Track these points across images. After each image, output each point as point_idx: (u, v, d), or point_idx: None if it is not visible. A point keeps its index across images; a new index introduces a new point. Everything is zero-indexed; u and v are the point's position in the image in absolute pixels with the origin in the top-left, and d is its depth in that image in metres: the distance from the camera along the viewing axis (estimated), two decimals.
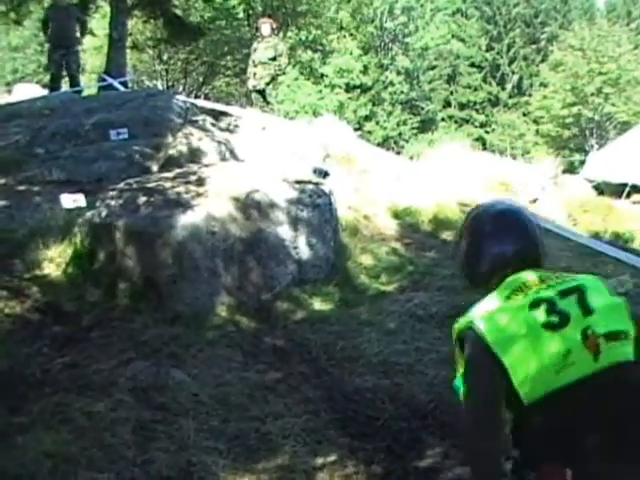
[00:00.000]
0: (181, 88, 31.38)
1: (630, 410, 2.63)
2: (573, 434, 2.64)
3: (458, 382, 2.85)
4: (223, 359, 6.10)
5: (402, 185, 11.36)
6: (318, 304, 7.48)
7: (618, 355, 2.66)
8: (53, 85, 16.32)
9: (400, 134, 50.28)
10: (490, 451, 2.68)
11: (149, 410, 5.17)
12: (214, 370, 5.87)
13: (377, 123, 49.83)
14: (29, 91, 21.83)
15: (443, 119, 55.63)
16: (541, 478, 2.70)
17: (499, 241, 2.90)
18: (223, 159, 10.44)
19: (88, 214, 7.67)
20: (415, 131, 51.05)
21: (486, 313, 2.74)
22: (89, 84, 23.01)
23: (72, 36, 15.65)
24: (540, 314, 2.67)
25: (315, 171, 10.96)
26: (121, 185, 8.30)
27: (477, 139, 45.41)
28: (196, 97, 24.80)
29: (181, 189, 7.82)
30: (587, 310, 2.70)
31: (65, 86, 16.82)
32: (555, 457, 2.66)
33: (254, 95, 15.43)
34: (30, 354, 5.93)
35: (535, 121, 50.06)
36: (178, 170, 8.87)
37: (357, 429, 5.24)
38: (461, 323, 2.84)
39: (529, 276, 2.81)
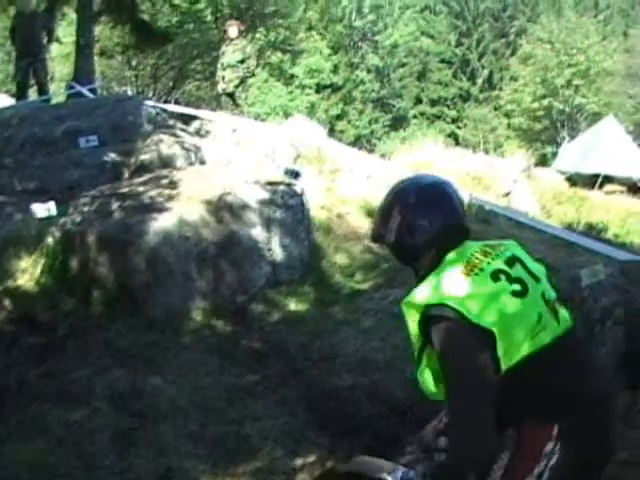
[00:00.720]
0: (151, 93, 31.24)
1: (586, 364, 2.87)
2: (551, 392, 2.77)
3: (427, 374, 2.90)
4: (200, 363, 6.10)
5: (374, 183, 11.36)
6: (294, 305, 7.47)
7: (567, 319, 2.88)
8: (20, 94, 16.18)
9: (372, 132, 50.39)
10: (491, 442, 2.69)
11: (127, 417, 5.16)
12: (191, 375, 5.87)
13: (349, 122, 49.93)
14: None
15: (415, 116, 55.80)
16: (525, 436, 2.79)
17: (438, 213, 2.91)
18: (193, 163, 10.42)
19: (60, 222, 7.63)
20: (387, 129, 51.19)
21: (459, 293, 2.74)
22: (58, 92, 22.87)
23: (39, 44, 15.51)
24: (505, 284, 2.77)
25: (287, 172, 10.94)
26: (92, 192, 8.26)
27: (449, 135, 45.59)
28: (166, 102, 24.68)
29: (153, 194, 7.79)
30: (534, 277, 2.85)
31: (33, 95, 16.72)
32: (538, 415, 2.78)
33: (224, 98, 15.39)
34: (6, 365, 5.90)
35: (506, 115, 50.34)
36: (149, 175, 8.83)
37: (336, 428, 5.25)
38: (424, 302, 2.81)
39: (473, 247, 2.90)
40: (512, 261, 2.86)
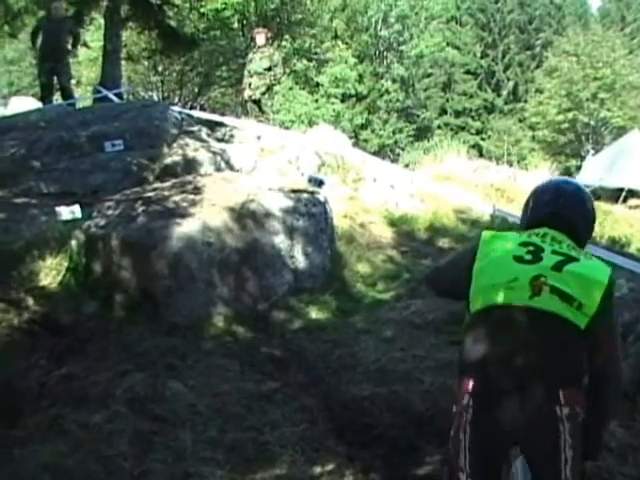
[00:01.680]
0: (177, 99, 31.38)
1: (534, 347, 2.98)
2: (483, 349, 3.06)
3: None
4: (220, 369, 6.09)
5: (398, 193, 11.36)
6: (315, 313, 7.47)
7: (552, 306, 3.02)
8: (43, 95, 16.34)
9: (396, 142, 50.34)
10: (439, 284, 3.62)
11: (146, 421, 5.15)
12: (211, 380, 5.86)
13: (373, 131, 49.90)
14: (25, 104, 21.84)
15: (439, 127, 55.73)
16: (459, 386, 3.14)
17: (543, 203, 3.41)
18: (218, 169, 10.45)
19: (84, 225, 7.67)
20: (411, 139, 51.10)
21: (497, 231, 3.44)
22: (84, 96, 23.02)
23: (62, 48, 15.62)
24: (521, 249, 3.18)
25: (310, 180, 10.96)
26: (117, 196, 8.30)
27: (473, 146, 45.49)
28: (192, 108, 24.80)
29: (177, 199, 7.81)
30: (557, 268, 3.09)
31: (58, 97, 16.83)
32: (469, 368, 3.11)
33: (250, 105, 15.44)
34: (27, 367, 5.91)
35: (531, 127, 50.17)
36: (174, 180, 8.86)
37: (355, 437, 5.23)
38: None
39: (550, 232, 3.27)
40: (561, 255, 3.16)
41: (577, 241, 3.30)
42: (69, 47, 15.98)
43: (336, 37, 44.54)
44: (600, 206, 15.63)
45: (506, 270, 3.11)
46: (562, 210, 3.33)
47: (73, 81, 18.89)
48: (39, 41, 15.78)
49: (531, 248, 3.16)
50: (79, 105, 16.61)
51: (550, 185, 3.57)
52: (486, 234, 3.33)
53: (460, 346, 3.23)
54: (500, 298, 3.08)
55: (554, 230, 3.27)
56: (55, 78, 15.75)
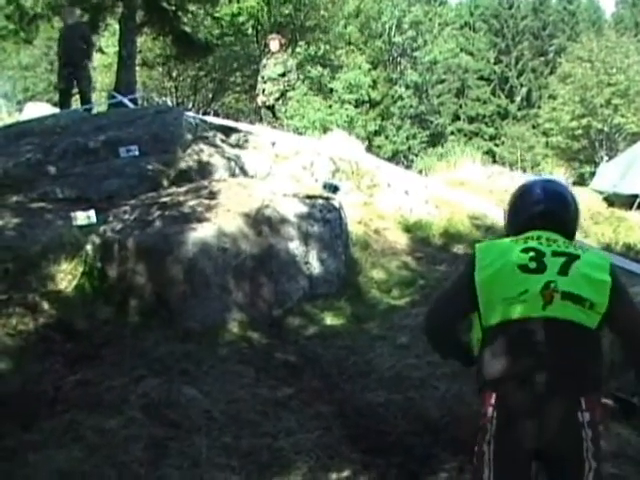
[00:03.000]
0: (191, 104, 31.48)
1: (552, 358, 2.98)
2: (504, 363, 3.06)
3: None
4: (235, 375, 6.09)
5: (412, 199, 11.35)
6: (329, 319, 7.47)
7: (567, 313, 3.03)
8: (62, 101, 16.45)
9: (409, 148, 50.39)
10: (436, 331, 3.48)
11: (161, 427, 5.16)
12: (226, 386, 5.86)
13: (386, 137, 49.98)
14: (40, 109, 21.89)
15: (452, 132, 55.74)
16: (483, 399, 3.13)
17: (530, 204, 3.38)
18: (233, 175, 10.46)
19: (99, 230, 7.68)
20: (424, 145, 51.14)
21: (489, 241, 3.44)
22: (99, 102, 23.08)
23: (81, 54, 15.73)
24: (523, 257, 3.15)
25: (325, 186, 10.97)
26: (132, 201, 8.32)
27: (487, 152, 45.38)
28: (205, 113, 24.83)
29: (192, 205, 7.82)
30: (563, 272, 3.09)
31: (76, 103, 16.92)
32: (491, 382, 3.10)
33: (264, 111, 15.44)
34: (42, 371, 5.93)
35: (544, 133, 50.06)
36: (189, 186, 8.87)
37: (370, 444, 5.22)
38: None
39: (544, 234, 3.25)
40: (562, 255, 3.16)
41: (568, 236, 3.31)
42: (85, 52, 16.08)
43: (350, 43, 44.58)
44: (614, 212, 15.60)
45: (515, 282, 3.09)
46: (550, 209, 3.33)
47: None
48: (60, 48, 16.00)
49: (532, 254, 3.15)
50: (95, 110, 16.68)
51: (533, 186, 3.52)
52: (480, 246, 3.31)
53: (478, 362, 3.21)
54: (515, 312, 3.07)
55: (545, 231, 3.26)
56: (75, 83, 15.87)
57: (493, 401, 3.05)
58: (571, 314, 3.02)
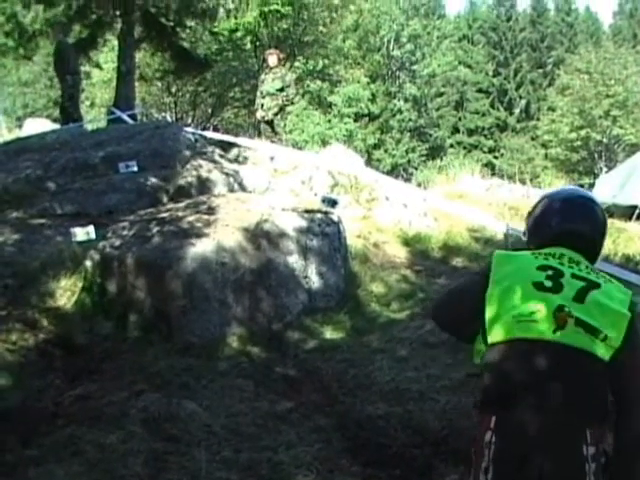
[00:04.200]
0: (190, 120, 31.54)
1: (560, 387, 2.80)
2: (507, 385, 2.88)
3: None
4: (235, 389, 6.09)
5: (411, 212, 11.36)
6: (329, 333, 7.48)
7: (578, 341, 2.85)
8: (62, 118, 16.74)
9: (409, 161, 50.41)
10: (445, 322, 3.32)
11: (161, 441, 5.15)
12: (226, 400, 5.87)
13: (386, 151, 49.99)
14: (39, 126, 21.98)
15: (452, 145, 55.83)
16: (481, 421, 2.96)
17: (557, 219, 3.20)
18: (232, 190, 10.49)
19: (99, 246, 7.70)
20: (424, 158, 51.14)
21: (510, 251, 3.25)
22: (98, 117, 23.16)
23: (59, 70, 16.13)
24: (540, 275, 2.97)
25: (324, 200, 10.99)
26: (131, 217, 8.34)
27: (486, 164, 45.40)
28: (205, 128, 24.87)
29: (191, 220, 7.84)
30: (580, 298, 2.92)
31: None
32: (491, 404, 2.92)
33: (262, 126, 15.47)
34: (42, 387, 5.94)
35: (544, 145, 50.14)
36: (188, 201, 8.90)
37: (369, 457, 5.22)
38: None
39: (567, 253, 3.09)
40: (582, 279, 2.98)
41: (592, 257, 3.17)
42: (64, 68, 16.31)
43: (348, 57, 44.68)
44: (614, 223, 15.60)
45: (526, 299, 2.92)
46: (577, 227, 3.15)
47: (86, 102, 19.17)
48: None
49: (550, 272, 2.97)
50: (90, 127, 16.85)
51: (561, 198, 3.31)
52: (498, 256, 3.13)
53: (479, 379, 3.04)
54: (522, 331, 2.88)
55: (569, 249, 3.11)
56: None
57: (492, 425, 2.88)
58: (582, 342, 2.85)
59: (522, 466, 2.80)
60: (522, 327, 2.88)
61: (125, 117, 17.19)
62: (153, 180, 10.31)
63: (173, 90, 32.40)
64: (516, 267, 3.04)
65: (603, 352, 2.86)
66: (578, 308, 2.88)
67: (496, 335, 2.94)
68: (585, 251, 3.15)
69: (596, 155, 43.24)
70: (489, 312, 2.96)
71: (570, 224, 3.17)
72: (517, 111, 58.90)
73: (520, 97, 59.18)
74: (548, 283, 2.94)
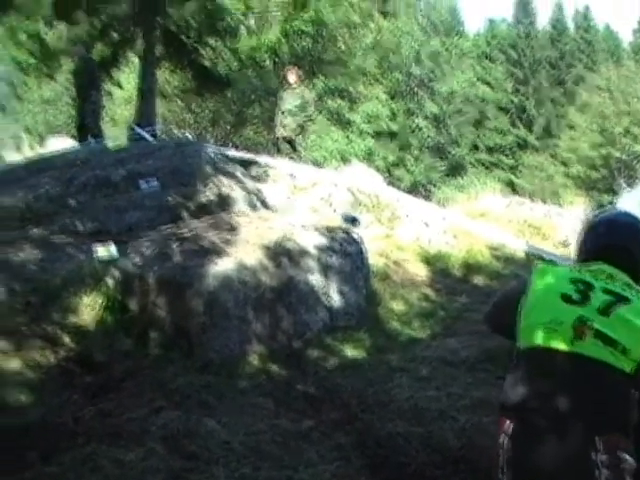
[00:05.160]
0: (210, 137, 31.60)
1: (572, 395, 2.90)
2: (522, 391, 3.00)
3: None
4: (254, 407, 6.09)
5: (432, 230, 11.35)
6: (349, 351, 7.46)
7: (596, 352, 2.93)
8: (79, 136, 16.86)
9: (429, 179, 50.36)
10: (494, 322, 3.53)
11: (180, 459, 5.15)
12: (245, 418, 5.86)
13: (405, 169, 49.99)
14: (61, 143, 22.11)
15: (471, 163, 55.80)
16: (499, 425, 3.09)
17: (595, 237, 3.37)
18: (253, 207, 10.50)
19: (120, 263, 7.73)
20: (443, 176, 51.12)
21: (550, 265, 3.55)
22: (119, 135, 23.30)
23: (84, 88, 16.20)
24: (569, 287, 3.11)
25: (345, 218, 10.99)
26: (152, 234, 8.36)
27: (506, 183, 45.38)
28: (224, 146, 24.95)
29: (212, 238, 7.85)
30: (605, 311, 3.00)
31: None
32: (507, 408, 3.06)
33: (282, 143, 15.50)
34: (62, 403, 5.95)
35: (564, 163, 50.06)
36: (209, 219, 8.91)
37: (389, 475, 5.20)
38: None
39: (606, 269, 3.19)
40: (612, 294, 3.07)
41: (634, 273, 3.22)
42: (89, 86, 16.43)
43: (368, 75, 44.75)
44: None
45: (551, 309, 3.06)
46: (617, 242, 3.28)
47: (106, 119, 19.31)
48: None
49: (580, 286, 3.09)
50: (111, 144, 16.95)
51: (604, 217, 3.52)
52: (539, 268, 3.31)
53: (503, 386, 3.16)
54: (542, 339, 3.02)
55: (609, 265, 3.19)
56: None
57: (506, 427, 3.02)
58: (599, 354, 2.92)
59: (532, 470, 2.91)
60: (543, 336, 3.02)
61: (146, 134, 17.28)
62: (174, 197, 10.33)
63: (193, 107, 32.51)
64: (551, 279, 3.18)
65: (623, 364, 2.92)
66: (601, 320, 2.97)
67: (521, 342, 3.10)
68: (627, 267, 3.22)
69: (616, 172, 43.11)
70: (520, 322, 3.12)
71: (611, 240, 3.31)
72: (537, 129, 58.78)
73: (540, 115, 59.08)
74: (576, 296, 3.06)
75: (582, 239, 3.45)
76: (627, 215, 3.49)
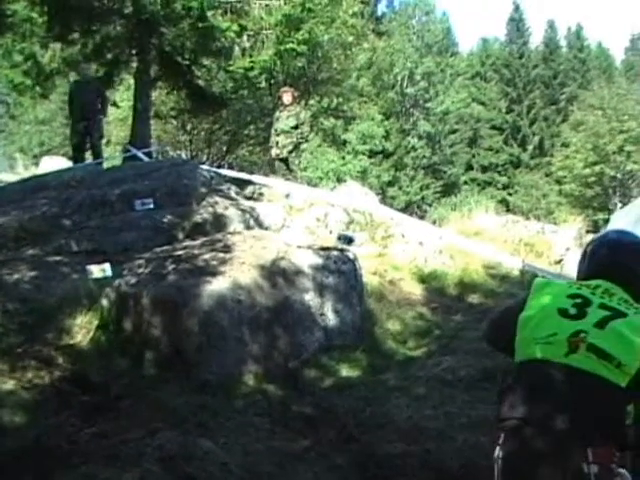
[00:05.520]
0: (205, 157, 31.61)
1: (564, 407, 2.91)
2: (516, 403, 3.03)
3: None
4: (251, 427, 6.06)
5: (427, 249, 11.35)
6: (346, 370, 7.45)
7: (589, 365, 2.96)
8: (75, 155, 16.75)
9: (423, 198, 50.54)
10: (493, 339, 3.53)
11: None
12: (242, 439, 5.83)
13: (400, 188, 50.13)
14: (56, 163, 22.16)
15: (465, 182, 55.93)
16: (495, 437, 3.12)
17: (598, 255, 3.41)
18: (248, 227, 10.50)
19: (115, 283, 7.71)
20: (438, 195, 51.26)
21: (549, 279, 3.56)
22: (114, 155, 23.31)
23: (92, 107, 16.08)
24: (567, 302, 3.14)
25: (340, 238, 11.00)
26: (147, 254, 8.35)
27: (500, 201, 45.49)
28: (220, 166, 24.99)
29: (207, 257, 7.85)
30: (600, 325, 3.03)
31: (89, 157, 17.14)
32: (502, 420, 3.07)
33: (277, 163, 15.53)
34: (57, 425, 5.91)
35: (558, 181, 50.21)
36: (204, 239, 8.91)
37: None
38: None
39: (604, 285, 3.22)
40: (609, 309, 3.10)
41: (634, 292, 3.24)
42: (99, 106, 16.37)
43: (362, 95, 44.88)
44: None
45: (548, 323, 3.09)
46: (618, 260, 3.31)
47: (104, 140, 19.27)
48: (74, 104, 16.34)
49: (578, 301, 3.13)
50: (106, 165, 16.91)
51: (607, 236, 3.58)
52: (538, 282, 3.35)
53: (498, 399, 3.19)
54: (537, 352, 3.05)
55: (609, 282, 3.22)
56: (88, 137, 16.15)
57: (501, 441, 3.04)
58: (593, 367, 2.95)
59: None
60: (539, 349, 3.07)
61: (141, 155, 17.28)
62: (169, 217, 10.34)
63: (188, 128, 32.53)
64: (549, 294, 3.23)
65: (617, 378, 2.94)
66: (596, 334, 3.00)
67: (519, 355, 3.14)
68: (627, 284, 3.24)
69: (610, 191, 43.25)
70: (518, 334, 3.16)
71: (611, 257, 3.35)
72: (531, 147, 58.97)
73: (534, 134, 59.29)
74: (573, 310, 3.10)
75: (585, 257, 3.48)
76: (630, 235, 3.53)
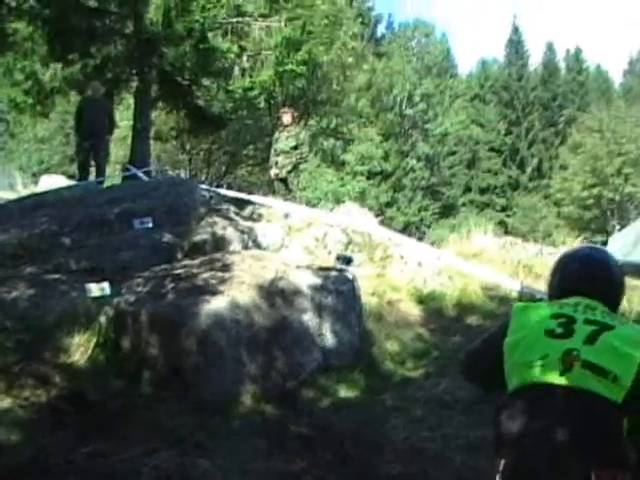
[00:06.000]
0: (204, 177, 31.72)
1: (566, 430, 2.87)
2: (515, 430, 2.99)
3: None
4: (248, 448, 6.04)
5: (425, 270, 11.35)
6: (343, 391, 7.43)
7: (586, 383, 2.93)
8: (81, 172, 16.79)
9: (421, 220, 50.66)
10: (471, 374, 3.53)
11: None
12: (239, 459, 5.81)
13: (398, 209, 50.22)
14: (55, 182, 22.16)
15: (464, 204, 56.04)
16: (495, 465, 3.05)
17: (570, 272, 3.40)
18: (246, 247, 10.51)
19: (113, 302, 7.70)
20: (436, 216, 51.37)
21: (527, 303, 3.50)
22: (113, 174, 23.34)
23: (100, 126, 16.13)
24: (552, 323, 3.11)
25: (338, 258, 11.00)
26: (146, 273, 8.35)
27: (499, 223, 45.53)
28: (219, 186, 25.03)
29: (206, 277, 7.84)
30: (590, 341, 3.01)
31: (93, 174, 17.21)
32: (502, 447, 3.03)
33: (276, 183, 15.58)
34: (54, 443, 5.89)
35: (556, 203, 50.33)
36: (202, 258, 8.91)
37: None
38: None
39: (584, 301, 3.21)
40: (594, 324, 3.09)
41: (611, 304, 3.26)
42: (106, 125, 16.45)
43: (361, 116, 45.04)
44: (628, 281, 15.54)
45: (538, 346, 3.05)
46: (591, 275, 3.31)
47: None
48: (82, 121, 16.41)
49: (563, 320, 3.10)
50: (107, 183, 16.91)
51: (576, 253, 3.57)
52: (517, 307, 3.32)
53: (495, 426, 3.12)
54: (532, 376, 3.01)
55: (587, 297, 3.22)
56: (92, 155, 16.24)
57: (502, 468, 2.99)
58: (590, 384, 2.92)
59: None
60: (532, 372, 3.02)
61: (140, 174, 17.33)
62: (168, 237, 10.35)
63: (188, 148, 32.66)
64: (531, 317, 3.20)
65: (613, 394, 2.92)
66: (588, 350, 2.98)
67: (512, 382, 3.09)
68: (603, 298, 3.25)
69: (608, 213, 43.39)
70: (507, 362, 3.12)
71: (584, 273, 3.35)
72: (529, 170, 59.11)
73: (532, 156, 59.44)
74: (559, 330, 3.07)
75: (555, 276, 3.47)
76: (599, 250, 3.62)
